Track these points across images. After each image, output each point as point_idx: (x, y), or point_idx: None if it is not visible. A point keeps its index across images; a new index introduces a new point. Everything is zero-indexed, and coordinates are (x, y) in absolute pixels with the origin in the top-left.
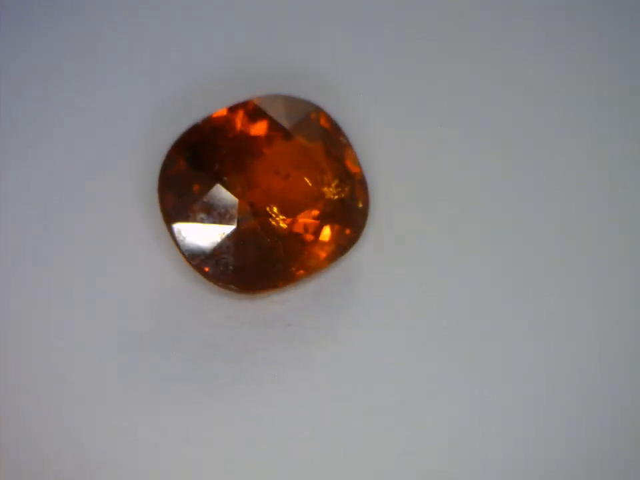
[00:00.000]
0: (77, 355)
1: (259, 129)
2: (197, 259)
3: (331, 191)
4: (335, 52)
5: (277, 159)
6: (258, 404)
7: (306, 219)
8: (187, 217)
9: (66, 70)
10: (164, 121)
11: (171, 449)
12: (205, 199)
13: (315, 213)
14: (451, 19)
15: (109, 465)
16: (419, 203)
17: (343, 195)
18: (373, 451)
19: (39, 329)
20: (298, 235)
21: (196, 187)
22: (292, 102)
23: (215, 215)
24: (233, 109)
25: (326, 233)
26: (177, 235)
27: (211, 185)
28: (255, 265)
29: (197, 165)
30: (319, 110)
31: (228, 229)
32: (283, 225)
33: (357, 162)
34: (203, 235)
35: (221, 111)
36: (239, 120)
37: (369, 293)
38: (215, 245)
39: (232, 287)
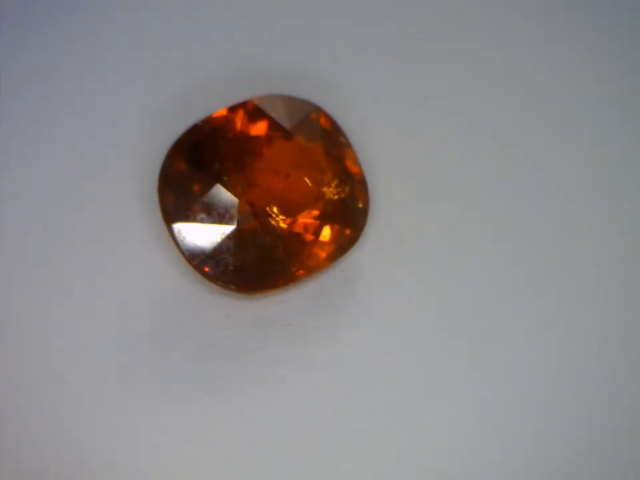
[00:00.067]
0: (76, 355)
1: (259, 129)
2: (197, 259)
3: (331, 191)
4: (335, 52)
5: (277, 159)
6: (258, 404)
7: (306, 218)
8: (187, 217)
9: (66, 70)
10: (164, 121)
11: (170, 449)
12: (205, 199)
13: (315, 212)
14: (451, 19)
15: (109, 465)
16: (418, 203)
17: (343, 195)
18: (372, 451)
19: (39, 329)
20: (298, 234)
21: (196, 187)
22: (292, 102)
23: (215, 215)
24: (232, 109)
25: (326, 233)
26: (176, 234)
27: (211, 185)
28: (255, 265)
29: (197, 165)
30: (318, 110)
31: (228, 229)
32: (283, 224)
33: (356, 162)
34: (203, 235)
35: (221, 111)
36: (239, 120)
37: (368, 293)
38: (215, 245)
39: (232, 286)
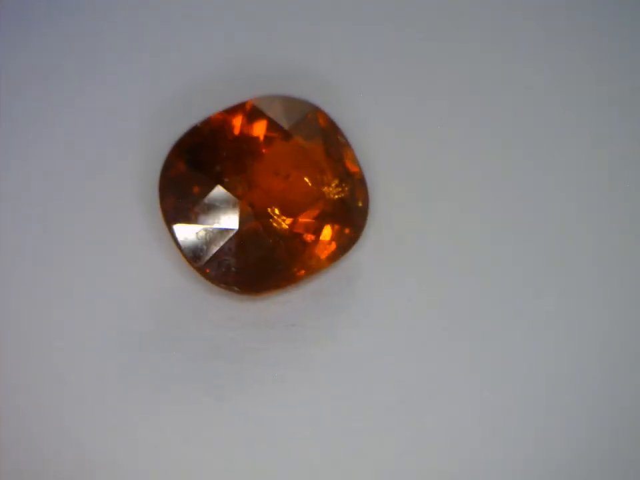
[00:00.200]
0: (76, 355)
1: (258, 129)
2: (199, 261)
3: (331, 191)
4: (335, 52)
5: (277, 160)
6: (258, 404)
7: (306, 219)
8: (188, 219)
9: (66, 70)
10: (164, 121)
11: (170, 449)
12: (206, 201)
13: (316, 212)
14: (451, 19)
15: (109, 465)
16: (418, 203)
17: (343, 195)
18: (372, 451)
19: (39, 329)
20: (299, 235)
21: (196, 189)
22: (290, 102)
23: (216, 216)
24: (231, 111)
25: (326, 232)
26: (178, 236)
27: (212, 187)
28: (257, 266)
29: (197, 166)
30: (317, 110)
31: (229, 230)
32: (284, 225)
33: (355, 161)
34: (205, 236)
35: (220, 113)
36: (238, 121)
37: (369, 293)
38: (217, 246)
39: (235, 288)
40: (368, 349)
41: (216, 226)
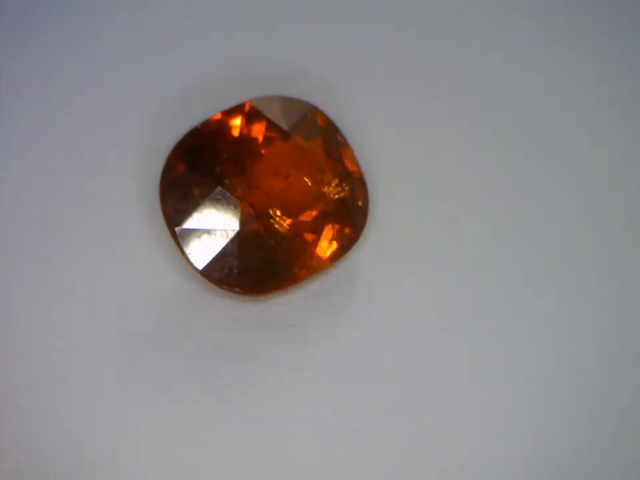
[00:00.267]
0: (76, 355)
1: (257, 130)
2: (202, 263)
3: (331, 191)
4: (335, 52)
5: (276, 160)
6: (258, 404)
7: (307, 219)
8: (189, 221)
9: (66, 70)
10: (164, 121)
11: (170, 449)
12: (207, 203)
13: (316, 212)
14: (451, 19)
15: (109, 465)
16: (418, 203)
17: (343, 194)
18: (373, 451)
19: (39, 329)
20: (300, 235)
21: (197, 191)
22: (289, 103)
23: (218, 218)
24: (230, 112)
25: (327, 232)
26: (180, 239)
27: (213, 189)
28: (258, 267)
29: (197, 168)
30: (315, 110)
31: (231, 231)
32: (285, 225)
33: (355, 161)
34: (206, 238)
35: (219, 114)
36: (237, 122)
37: (369, 293)
38: (219, 248)
39: (237, 289)
40: (368, 349)
41: (217, 227)
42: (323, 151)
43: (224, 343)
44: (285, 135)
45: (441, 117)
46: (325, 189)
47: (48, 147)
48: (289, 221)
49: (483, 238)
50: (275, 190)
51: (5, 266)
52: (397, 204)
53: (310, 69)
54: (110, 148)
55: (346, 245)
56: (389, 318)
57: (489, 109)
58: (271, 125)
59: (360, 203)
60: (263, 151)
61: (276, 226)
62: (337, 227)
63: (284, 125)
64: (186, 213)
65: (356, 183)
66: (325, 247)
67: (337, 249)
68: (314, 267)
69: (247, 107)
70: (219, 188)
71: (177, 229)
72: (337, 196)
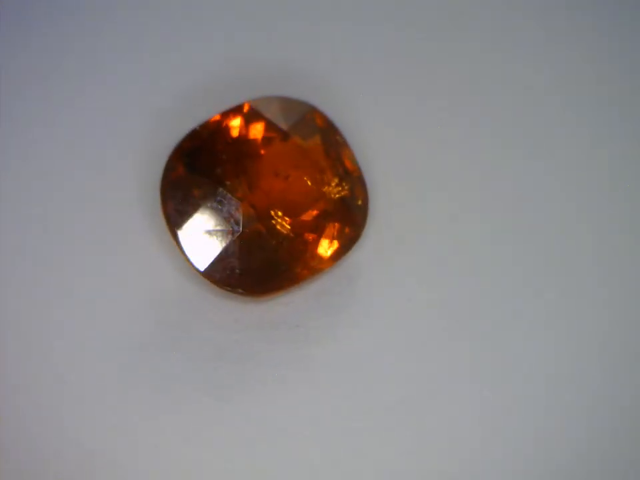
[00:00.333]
0: (76, 355)
1: (257, 131)
2: (204, 265)
3: (331, 190)
4: (335, 52)
5: (276, 160)
6: (259, 404)
7: (308, 219)
8: (190, 223)
9: (66, 70)
10: (164, 121)
11: (170, 449)
12: (208, 204)
13: (317, 212)
14: (451, 19)
15: (109, 465)
16: (418, 203)
17: (343, 194)
18: (372, 451)
19: (39, 329)
20: (301, 235)
21: (198, 193)
22: (287, 103)
23: (219, 219)
24: (229, 113)
25: (328, 232)
26: (181, 240)
27: (214, 190)
28: (260, 268)
29: (197, 170)
30: (314, 110)
31: (233, 232)
32: (286, 226)
33: (354, 160)
34: (208, 240)
35: (218, 115)
36: (236, 123)
37: (369, 293)
38: (221, 249)
39: (240, 290)
40: (368, 349)
41: (219, 229)
42: (323, 150)
43: (226, 344)
44: (285, 135)
45: (440, 117)
46: (325, 188)
47: (48, 146)
48: (290, 221)
49: (483, 238)
50: (275, 190)
51: (5, 266)
52: (397, 204)
53: (309, 69)
54: (110, 148)
55: (347, 244)
56: (389, 318)
57: (489, 109)
58: (270, 125)
59: (360, 202)
60: (262, 152)
61: (277, 226)
62: (337, 226)
63: (283, 125)
64: (187, 215)
65: (355, 182)
66: (326, 247)
67: (337, 248)
68: (315, 267)
69: (246, 108)
70: (220, 189)
71: (178, 230)
72: (337, 195)
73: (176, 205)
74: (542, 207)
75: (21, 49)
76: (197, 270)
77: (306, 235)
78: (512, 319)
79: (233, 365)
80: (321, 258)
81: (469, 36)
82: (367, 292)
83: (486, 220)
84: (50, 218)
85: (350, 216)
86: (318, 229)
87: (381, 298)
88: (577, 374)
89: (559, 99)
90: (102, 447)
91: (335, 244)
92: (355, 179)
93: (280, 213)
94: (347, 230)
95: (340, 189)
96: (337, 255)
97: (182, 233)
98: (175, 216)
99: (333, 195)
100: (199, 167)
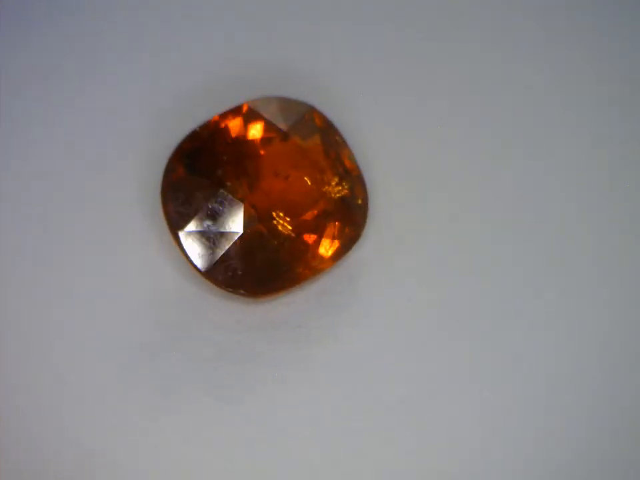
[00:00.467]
0: (77, 355)
1: (256, 131)
2: (206, 266)
3: (331, 190)
4: (335, 52)
5: (276, 161)
6: (258, 404)
7: (309, 218)
8: (192, 224)
9: (66, 70)
10: (164, 121)
11: (170, 449)
12: (209, 205)
13: (317, 212)
14: (451, 19)
15: (109, 465)
16: (418, 203)
17: (343, 193)
18: (373, 451)
19: (39, 329)
20: (302, 235)
21: (199, 194)
22: (286, 103)
23: (220, 220)
24: (228, 114)
25: (329, 232)
26: (183, 242)
27: (215, 191)
28: (262, 268)
29: (198, 171)
30: (313, 110)
31: (234, 233)
32: (287, 226)
33: (353, 160)
34: (210, 241)
35: (217, 116)
36: (236, 124)
37: (369, 293)
38: (222, 250)
39: (241, 291)
40: (368, 349)
41: (220, 230)
42: (322, 150)
43: (227, 345)
44: (284, 135)
45: (441, 117)
46: (325, 188)
47: (48, 146)
48: (290, 221)
49: (483, 238)
50: (275, 190)
51: (5, 266)
52: (397, 204)
53: (309, 69)
54: (110, 148)
55: (347, 243)
56: (389, 318)
57: (489, 109)
58: (270, 126)
59: (360, 202)
60: (262, 152)
61: (278, 227)
62: (338, 225)
63: (282, 126)
64: (188, 216)
65: (355, 182)
66: (327, 246)
67: (338, 248)
68: (316, 267)
69: (245, 108)
70: (221, 190)
71: (179, 232)
72: (337, 195)
73: (177, 206)
74: (542, 206)
75: (21, 49)
76: (199, 271)
77: (307, 235)
78: (512, 319)
79: (233, 365)
80: (321, 258)
81: (469, 36)
82: (367, 291)
83: (486, 220)
84: (50, 218)
85: (350, 215)
86: (318, 229)
87: (382, 298)
88: (577, 374)
89: (558, 98)
90: (102, 446)
91: (336, 244)
92: (354, 179)
93: (281, 214)
94: (347, 229)
95: (340, 188)
96: (338, 255)
97: (183, 235)
98: (176, 217)
99: (333, 195)
100: (199, 168)
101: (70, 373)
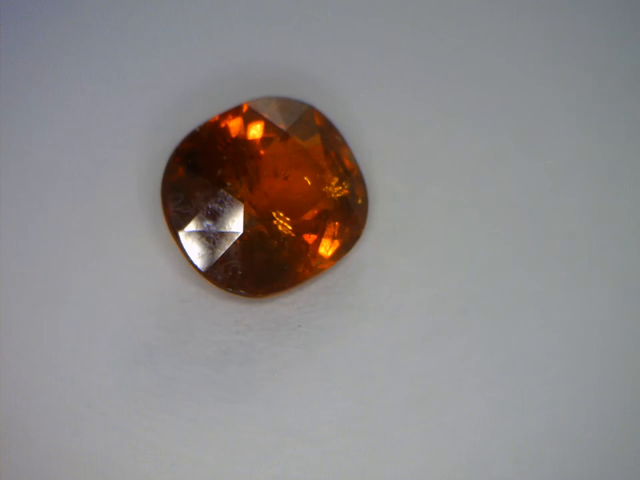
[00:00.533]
0: (77, 355)
1: (256, 131)
2: (206, 266)
3: (331, 190)
4: (335, 52)
5: (276, 161)
6: (259, 404)
7: (309, 218)
8: (192, 225)
9: (66, 70)
10: (164, 121)
11: (171, 449)
12: (209, 206)
13: (317, 212)
14: (451, 19)
15: (109, 465)
16: (418, 202)
17: (343, 193)
18: (373, 451)
19: (39, 329)
20: (302, 235)
21: (199, 194)
22: (286, 103)
23: (221, 220)
24: (228, 114)
25: (329, 231)
26: (183, 242)
27: (215, 191)
28: (263, 269)
29: (198, 172)
30: (313, 110)
31: (234, 234)
32: (288, 226)
33: (353, 159)
34: (210, 241)
35: (217, 116)
36: (236, 124)
37: (369, 293)
38: (222, 250)
39: (242, 291)
40: (369, 348)
41: (220, 230)
42: (322, 150)
43: (228, 345)
44: (284, 135)
45: (440, 117)
46: (325, 188)
47: (48, 146)
48: (291, 221)
49: (483, 237)
50: (275, 190)
51: (5, 266)
52: (397, 203)
53: (309, 69)
54: (110, 148)
55: (347, 243)
56: (389, 317)
57: (489, 109)
58: (269, 126)
59: (360, 201)
60: (262, 152)
61: (278, 227)
62: (338, 225)
63: (282, 125)
64: (188, 217)
65: (355, 182)
66: (327, 246)
67: (338, 247)
68: (317, 267)
69: (245, 108)
70: (221, 190)
71: (180, 232)
72: (337, 195)
73: (177, 206)
74: (541, 205)
75: (21, 49)
76: (199, 271)
77: (307, 234)
78: (512, 318)
79: (234, 366)
80: (322, 257)
81: (469, 36)
82: (367, 291)
83: (486, 219)
84: (50, 218)
85: (350, 215)
86: (319, 229)
87: (382, 297)
88: (577, 374)
89: (558, 98)
90: (102, 447)
91: (336, 243)
92: (354, 178)
93: (281, 214)
94: (347, 229)
95: (340, 188)
96: (338, 255)
97: (183, 235)
98: (177, 218)
99: (333, 195)
100: (199, 169)
101: (70, 373)
